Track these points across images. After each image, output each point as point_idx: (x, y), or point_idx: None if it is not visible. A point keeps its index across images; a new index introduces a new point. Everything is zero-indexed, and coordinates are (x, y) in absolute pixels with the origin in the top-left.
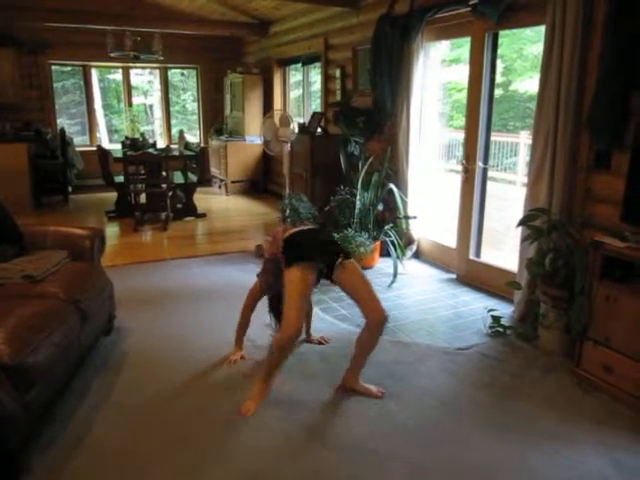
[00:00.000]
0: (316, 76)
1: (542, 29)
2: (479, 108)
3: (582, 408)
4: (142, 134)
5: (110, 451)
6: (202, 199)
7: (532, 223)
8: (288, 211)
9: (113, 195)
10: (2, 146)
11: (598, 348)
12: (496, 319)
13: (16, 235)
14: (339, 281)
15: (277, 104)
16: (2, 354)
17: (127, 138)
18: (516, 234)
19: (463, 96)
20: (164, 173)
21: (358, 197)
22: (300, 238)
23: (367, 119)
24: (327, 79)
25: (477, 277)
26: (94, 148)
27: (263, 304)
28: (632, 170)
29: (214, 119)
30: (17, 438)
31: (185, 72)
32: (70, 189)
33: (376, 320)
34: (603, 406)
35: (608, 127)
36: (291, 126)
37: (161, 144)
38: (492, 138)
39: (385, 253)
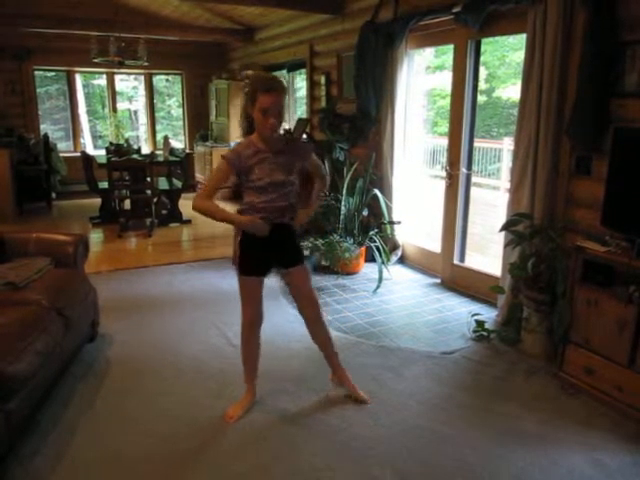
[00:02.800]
0: (301, 82)
1: (524, 37)
2: (462, 114)
3: (565, 410)
4: (127, 140)
5: (94, 461)
6: (187, 205)
7: (515, 228)
8: None
9: (97, 201)
10: None
11: (580, 351)
12: (480, 323)
13: None
14: (284, 275)
15: None
16: None
17: (111, 144)
18: (499, 239)
19: (447, 103)
20: (149, 179)
21: (343, 203)
22: (258, 246)
23: (352, 125)
24: (312, 85)
25: (461, 282)
26: (78, 154)
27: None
28: (611, 175)
29: (199, 125)
30: None
31: (170, 78)
32: (53, 195)
33: (309, 314)
34: (585, 407)
35: (588, 133)
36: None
37: (146, 150)
38: (475, 144)
39: (370, 258)
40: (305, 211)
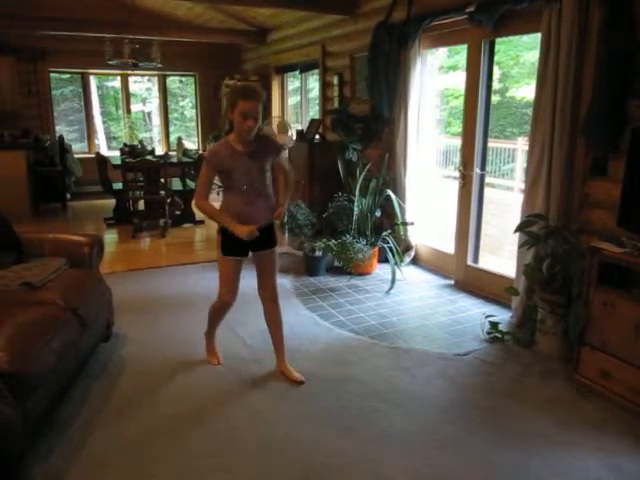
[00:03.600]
0: (314, 83)
1: (538, 36)
2: (476, 114)
3: (580, 413)
4: (140, 141)
5: (109, 460)
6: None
7: (529, 229)
8: (286, 217)
9: (111, 202)
10: (1, 154)
11: (596, 353)
12: (494, 325)
13: (14, 242)
14: (255, 255)
15: (275, 111)
16: (1, 361)
17: (125, 145)
18: (514, 240)
19: (460, 103)
20: (162, 180)
21: (356, 203)
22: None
23: (365, 126)
24: (325, 86)
25: (475, 283)
26: (93, 155)
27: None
28: (628, 176)
29: (212, 126)
30: (16, 446)
31: (183, 79)
32: (68, 196)
33: (265, 295)
34: (601, 411)
35: (604, 133)
36: (289, 133)
37: (159, 151)
38: (489, 144)
39: (383, 259)
40: (278, 211)
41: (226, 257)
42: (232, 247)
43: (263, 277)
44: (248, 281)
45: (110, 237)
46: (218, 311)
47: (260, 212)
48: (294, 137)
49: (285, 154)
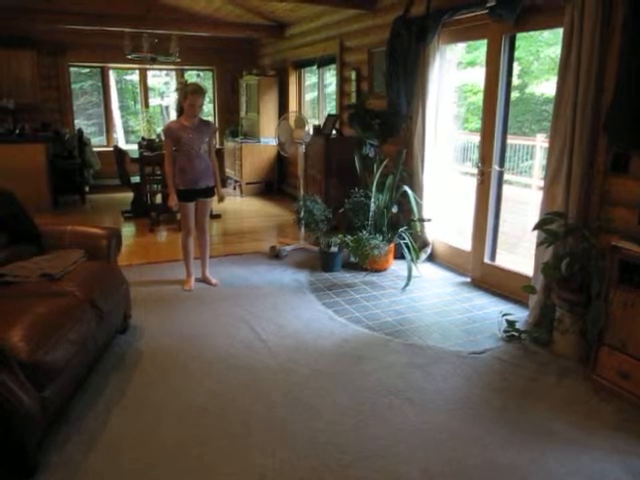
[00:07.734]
0: (331, 78)
1: (560, 31)
2: (495, 111)
3: (597, 414)
4: (158, 135)
5: (125, 449)
6: (216, 200)
7: (548, 227)
8: (302, 213)
9: (129, 195)
10: (21, 146)
11: (614, 354)
12: (511, 323)
13: (35, 234)
14: (197, 201)
15: (292, 106)
16: (20, 351)
17: (143, 139)
18: (531, 238)
19: (478, 99)
20: None
21: (373, 199)
22: (184, 188)
23: (382, 121)
24: (342, 81)
25: (492, 281)
26: (111, 149)
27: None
28: None
29: (229, 120)
30: (34, 434)
31: (201, 74)
32: (87, 189)
33: (198, 229)
34: (618, 412)
35: (627, 130)
36: (306, 128)
37: None
38: (508, 141)
39: (399, 256)
40: (218, 190)
41: (182, 203)
42: (185, 196)
43: (198, 217)
44: (263, 276)
45: (128, 230)
46: (184, 239)
47: (197, 167)
48: (311, 132)
49: (215, 137)
